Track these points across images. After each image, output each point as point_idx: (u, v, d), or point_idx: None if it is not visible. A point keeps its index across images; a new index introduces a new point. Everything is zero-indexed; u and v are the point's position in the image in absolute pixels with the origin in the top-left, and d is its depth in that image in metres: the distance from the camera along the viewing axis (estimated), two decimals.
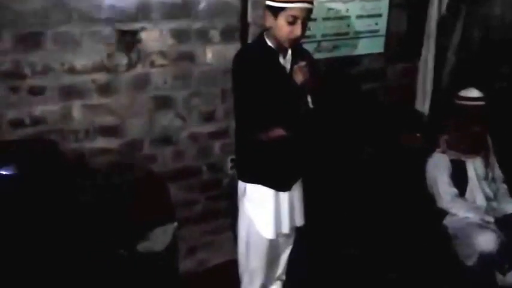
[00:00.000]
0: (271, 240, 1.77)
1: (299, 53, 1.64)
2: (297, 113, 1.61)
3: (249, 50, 1.70)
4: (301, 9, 1.50)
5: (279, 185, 1.72)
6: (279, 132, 1.59)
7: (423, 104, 2.44)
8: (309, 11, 1.54)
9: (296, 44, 1.60)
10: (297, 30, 1.52)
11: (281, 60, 1.63)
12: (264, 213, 1.73)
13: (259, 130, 1.61)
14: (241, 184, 1.78)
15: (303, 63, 1.57)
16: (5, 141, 1.65)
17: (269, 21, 1.56)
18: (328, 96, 1.78)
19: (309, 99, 1.60)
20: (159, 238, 1.76)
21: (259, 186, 1.71)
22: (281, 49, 1.61)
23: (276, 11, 1.52)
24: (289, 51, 1.63)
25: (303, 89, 1.58)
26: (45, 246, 1.46)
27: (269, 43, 1.61)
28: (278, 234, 1.78)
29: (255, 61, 1.58)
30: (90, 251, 1.55)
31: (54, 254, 1.47)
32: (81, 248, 1.52)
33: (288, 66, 1.63)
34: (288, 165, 1.72)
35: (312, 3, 1.54)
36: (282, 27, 1.53)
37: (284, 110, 1.58)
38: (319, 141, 2.06)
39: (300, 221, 1.86)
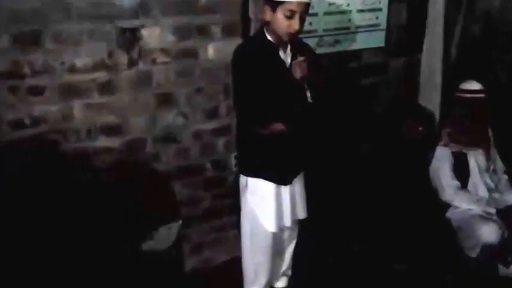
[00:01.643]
0: (274, 234, 1.79)
1: (300, 48, 1.64)
2: (296, 108, 1.61)
3: (249, 44, 1.71)
4: (298, 3, 1.52)
5: (280, 178, 1.74)
6: (278, 126, 1.60)
7: (430, 99, 2.44)
8: (307, 5, 1.56)
9: (295, 38, 1.60)
10: (295, 24, 1.53)
11: (281, 54, 1.64)
12: (265, 207, 1.75)
13: (259, 124, 1.62)
14: (242, 178, 1.79)
15: (301, 59, 1.57)
16: (5, 142, 1.62)
17: (268, 15, 1.57)
18: (328, 90, 1.78)
19: (308, 94, 1.60)
20: (164, 237, 1.75)
21: (261, 180, 1.73)
22: (281, 43, 1.62)
23: (274, 6, 1.54)
24: (289, 46, 1.63)
25: (302, 84, 1.58)
26: (48, 246, 1.45)
27: (269, 37, 1.62)
28: (281, 227, 1.80)
29: (254, 55, 1.59)
30: (94, 251, 1.54)
31: (57, 254, 1.46)
32: (85, 248, 1.51)
33: (288, 60, 1.64)
34: (289, 159, 1.73)
35: None
36: (280, 22, 1.54)
37: (283, 104, 1.58)
38: (320, 135, 2.06)
39: (302, 214, 1.87)
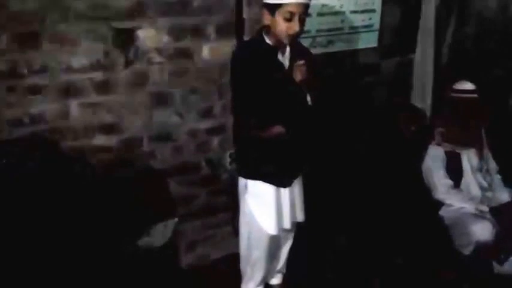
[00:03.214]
0: (272, 235, 1.79)
1: (298, 50, 1.66)
2: (296, 110, 1.62)
3: (247, 47, 1.71)
4: (297, 5, 1.52)
5: (279, 181, 1.74)
6: (278, 129, 1.61)
7: (421, 98, 2.47)
8: (306, 6, 1.55)
9: (295, 40, 1.61)
10: (295, 26, 1.53)
11: (280, 57, 1.64)
12: (265, 209, 1.75)
13: (259, 127, 1.62)
14: (241, 180, 1.80)
15: (301, 62, 1.58)
16: (4, 140, 1.65)
17: (267, 18, 1.57)
18: (324, 92, 1.79)
19: (308, 97, 1.62)
20: (160, 233, 1.78)
21: (260, 182, 1.73)
22: (280, 46, 1.62)
23: (273, 8, 1.54)
24: (288, 48, 1.64)
25: (302, 86, 1.59)
26: (46, 243, 1.47)
27: (267, 40, 1.62)
28: (279, 229, 1.80)
29: (253, 58, 1.59)
30: (91, 247, 1.56)
31: (55, 251, 1.49)
32: (81, 245, 1.53)
33: (286, 63, 1.64)
34: (288, 161, 1.74)
35: None
36: (280, 24, 1.54)
37: (283, 107, 1.59)
38: (319, 137, 2.08)
39: (300, 217, 1.88)
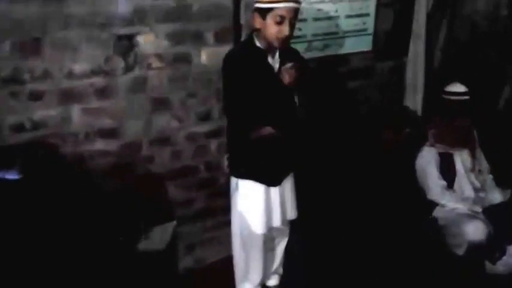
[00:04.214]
0: (264, 234, 1.81)
1: (288, 53, 1.68)
2: (285, 112, 1.64)
3: (238, 50, 1.73)
4: (288, 9, 1.55)
5: (269, 180, 1.77)
6: (267, 130, 1.64)
7: (414, 101, 2.51)
8: (296, 10, 1.59)
9: (286, 44, 1.64)
10: (285, 29, 1.56)
11: (270, 60, 1.66)
12: (255, 208, 1.77)
13: (249, 128, 1.65)
14: (233, 180, 1.83)
15: (289, 65, 1.60)
16: (6, 145, 1.67)
17: (258, 22, 1.60)
18: (317, 94, 1.83)
19: (296, 99, 1.64)
20: (159, 236, 1.79)
21: (251, 181, 1.76)
22: (270, 49, 1.65)
23: (264, 12, 1.57)
24: (278, 52, 1.67)
25: (291, 89, 1.62)
26: (47, 247, 1.49)
27: (258, 44, 1.64)
28: (270, 228, 1.82)
29: (243, 61, 1.62)
30: (91, 251, 1.57)
31: (55, 254, 1.50)
32: (82, 248, 1.55)
33: (276, 66, 1.67)
34: (278, 161, 1.76)
35: (298, 2, 1.59)
36: (270, 28, 1.57)
37: (272, 109, 1.62)
38: (309, 137, 2.10)
39: (292, 215, 1.90)
